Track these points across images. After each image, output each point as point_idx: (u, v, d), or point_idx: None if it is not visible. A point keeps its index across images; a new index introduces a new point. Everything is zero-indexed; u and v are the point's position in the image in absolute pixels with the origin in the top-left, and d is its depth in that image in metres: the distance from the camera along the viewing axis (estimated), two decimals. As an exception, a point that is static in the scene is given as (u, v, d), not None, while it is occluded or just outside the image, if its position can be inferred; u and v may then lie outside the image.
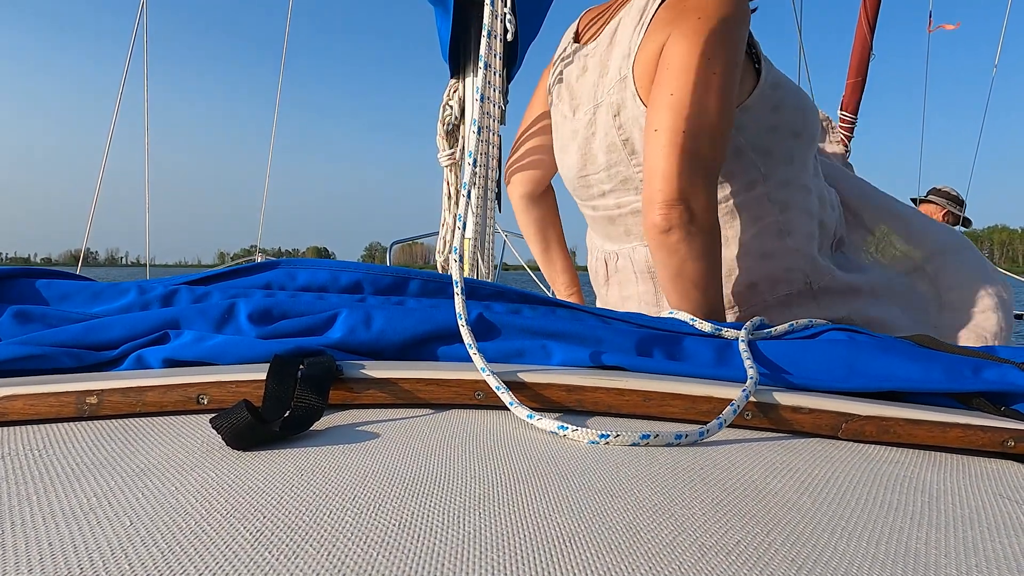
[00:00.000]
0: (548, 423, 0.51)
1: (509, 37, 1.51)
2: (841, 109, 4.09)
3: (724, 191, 1.09)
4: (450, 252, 1.96)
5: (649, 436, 0.49)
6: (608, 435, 0.49)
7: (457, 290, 0.65)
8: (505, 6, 1.54)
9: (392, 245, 2.97)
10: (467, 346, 0.60)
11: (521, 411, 0.52)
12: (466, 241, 2.12)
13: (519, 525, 0.34)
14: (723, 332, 0.74)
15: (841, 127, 4.10)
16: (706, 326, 0.76)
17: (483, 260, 2.10)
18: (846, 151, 4.19)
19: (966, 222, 4.55)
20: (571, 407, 0.57)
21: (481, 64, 0.74)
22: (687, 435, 0.50)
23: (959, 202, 4.49)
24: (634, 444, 0.49)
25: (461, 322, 0.63)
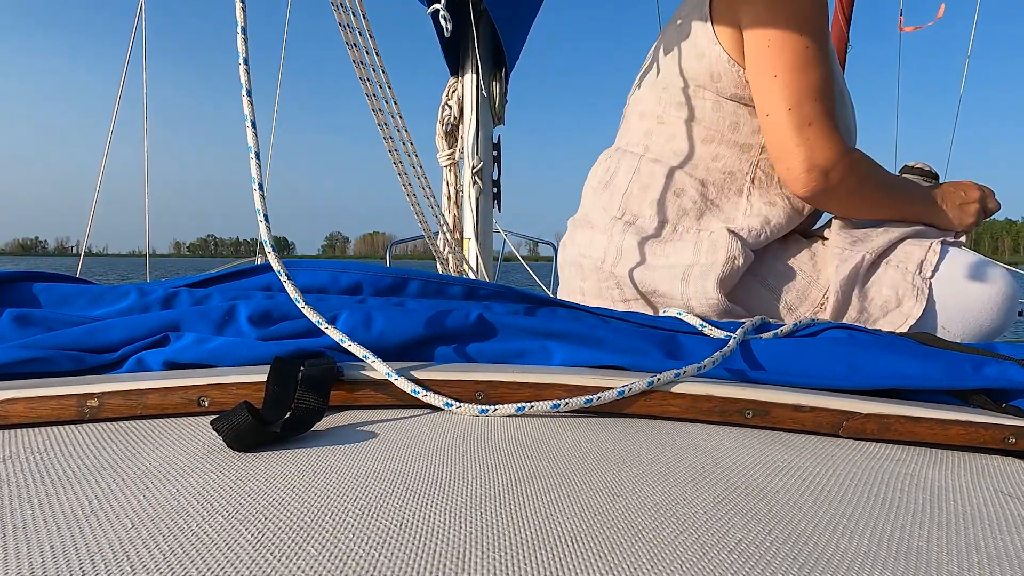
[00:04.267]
0: (434, 399, 0.54)
1: (447, 33, 1.51)
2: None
3: (719, 134, 1.14)
4: (452, 253, 1.95)
5: (559, 404, 0.54)
6: (487, 409, 0.54)
7: (284, 278, 0.65)
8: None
9: (392, 245, 2.97)
10: (339, 342, 0.61)
11: (404, 385, 0.55)
12: (466, 240, 2.12)
13: (520, 525, 0.34)
14: (720, 331, 0.74)
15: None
16: (707, 327, 0.76)
17: (483, 260, 2.10)
18: None
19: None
20: None
21: (240, 60, 0.70)
22: (600, 397, 0.54)
23: (934, 176, 4.42)
24: (538, 414, 0.54)
25: (319, 320, 0.63)
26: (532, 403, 0.54)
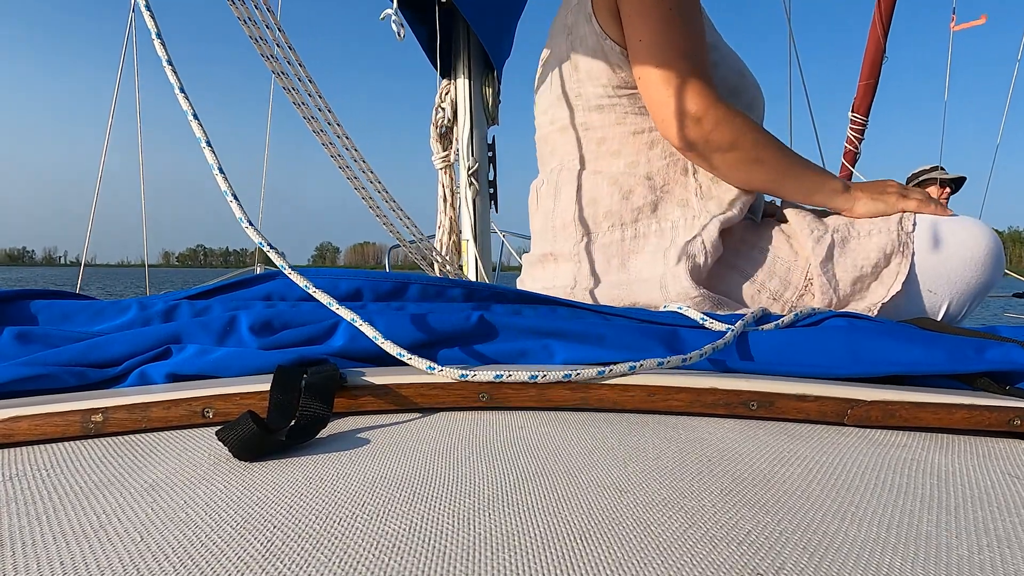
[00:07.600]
0: (419, 362, 0.57)
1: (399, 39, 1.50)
2: (852, 111, 4.08)
3: (649, 123, 1.12)
4: (444, 253, 1.95)
5: (536, 376, 0.55)
6: (467, 375, 0.55)
7: (278, 259, 0.69)
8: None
9: (390, 250, 2.98)
10: (350, 321, 0.64)
11: (391, 348, 0.58)
12: (464, 243, 2.12)
13: (529, 524, 0.34)
14: (721, 324, 0.74)
15: (851, 128, 4.11)
16: (709, 320, 0.76)
17: (482, 261, 2.10)
18: (856, 152, 4.18)
19: (960, 181, 4.44)
20: (576, 405, 0.57)
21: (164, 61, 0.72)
22: (579, 373, 0.56)
23: (955, 181, 4.41)
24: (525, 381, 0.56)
25: (330, 302, 0.68)
26: (510, 372, 0.56)
